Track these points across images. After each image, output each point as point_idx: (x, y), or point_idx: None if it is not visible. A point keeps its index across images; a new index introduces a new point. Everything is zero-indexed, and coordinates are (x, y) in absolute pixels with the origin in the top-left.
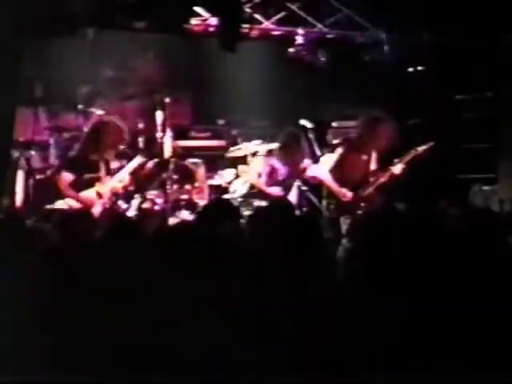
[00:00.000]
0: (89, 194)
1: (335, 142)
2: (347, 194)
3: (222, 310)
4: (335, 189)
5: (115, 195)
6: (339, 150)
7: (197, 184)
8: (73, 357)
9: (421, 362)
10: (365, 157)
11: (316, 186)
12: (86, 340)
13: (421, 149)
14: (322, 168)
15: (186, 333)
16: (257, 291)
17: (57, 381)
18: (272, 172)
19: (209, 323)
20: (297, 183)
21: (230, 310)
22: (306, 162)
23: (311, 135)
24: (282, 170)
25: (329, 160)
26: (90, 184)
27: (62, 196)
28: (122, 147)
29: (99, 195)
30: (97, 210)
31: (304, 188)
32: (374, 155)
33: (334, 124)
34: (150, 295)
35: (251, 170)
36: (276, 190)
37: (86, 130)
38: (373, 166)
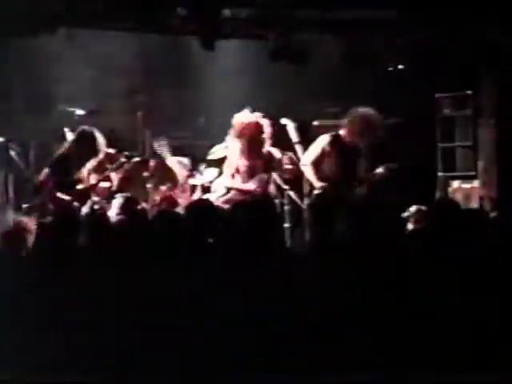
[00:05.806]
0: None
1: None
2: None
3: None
4: (314, 181)
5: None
6: (325, 145)
7: (179, 183)
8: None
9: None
10: (350, 156)
11: (296, 183)
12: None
13: (378, 172)
14: (303, 159)
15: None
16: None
17: (57, 381)
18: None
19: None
20: (275, 180)
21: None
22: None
23: (293, 134)
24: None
25: (312, 152)
26: (71, 185)
27: (41, 194)
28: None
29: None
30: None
31: (285, 186)
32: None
33: (315, 123)
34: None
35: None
36: (251, 186)
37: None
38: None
